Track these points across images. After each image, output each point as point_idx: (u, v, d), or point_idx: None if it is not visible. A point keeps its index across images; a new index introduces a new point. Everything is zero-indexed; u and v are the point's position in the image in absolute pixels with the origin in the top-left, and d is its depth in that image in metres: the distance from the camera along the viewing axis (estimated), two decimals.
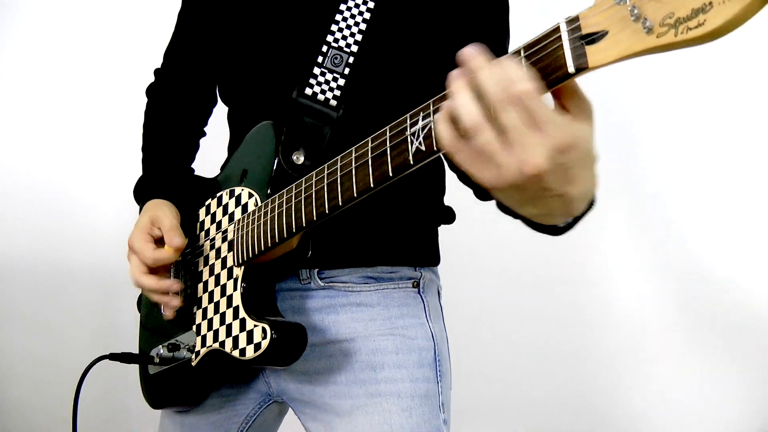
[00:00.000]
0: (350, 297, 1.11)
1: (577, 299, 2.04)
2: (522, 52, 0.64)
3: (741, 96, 1.91)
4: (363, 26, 1.08)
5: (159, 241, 1.13)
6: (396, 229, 1.14)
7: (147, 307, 1.30)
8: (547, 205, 0.67)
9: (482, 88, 0.61)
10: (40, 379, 2.13)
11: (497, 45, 1.12)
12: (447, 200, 1.26)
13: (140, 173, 1.28)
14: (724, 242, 1.94)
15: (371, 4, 1.09)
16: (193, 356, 1.10)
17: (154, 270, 1.12)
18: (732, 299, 1.91)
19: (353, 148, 0.82)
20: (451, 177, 1.17)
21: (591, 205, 0.74)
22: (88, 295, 2.14)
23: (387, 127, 0.77)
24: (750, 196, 1.93)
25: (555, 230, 0.80)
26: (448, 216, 1.24)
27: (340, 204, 0.84)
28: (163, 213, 1.13)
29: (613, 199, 2.03)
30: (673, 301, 1.97)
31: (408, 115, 0.74)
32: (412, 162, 0.73)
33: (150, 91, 1.37)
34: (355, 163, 0.81)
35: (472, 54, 0.63)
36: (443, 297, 1.24)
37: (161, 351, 1.17)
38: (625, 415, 2.00)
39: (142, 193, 1.23)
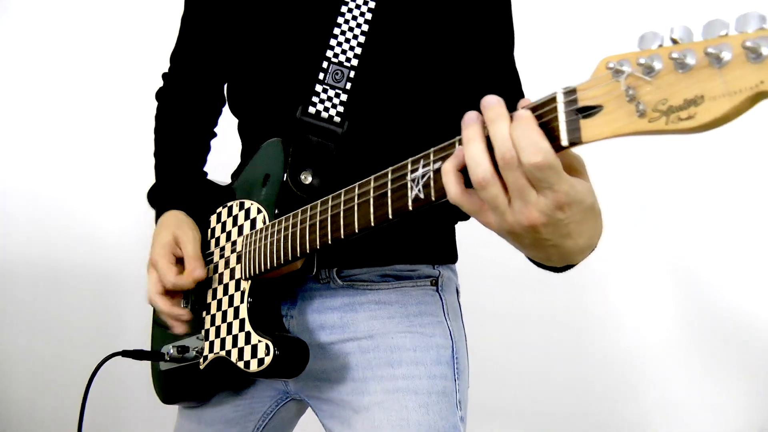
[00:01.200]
0: (369, 295, 1.13)
1: (579, 302, 2.05)
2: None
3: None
4: (362, 39, 1.09)
5: (179, 260, 1.15)
6: (414, 228, 1.15)
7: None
8: (546, 252, 0.69)
9: (495, 143, 0.62)
10: (40, 378, 2.17)
11: (499, 55, 1.11)
12: None
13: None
14: (727, 247, 1.94)
15: (368, 16, 1.09)
16: (201, 360, 1.14)
17: (171, 292, 1.14)
18: (734, 303, 1.93)
19: (357, 184, 0.84)
20: None
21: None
22: (88, 295, 2.17)
23: (390, 169, 0.79)
24: (753, 201, 1.92)
25: (555, 269, 0.82)
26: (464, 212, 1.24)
27: (342, 237, 0.86)
28: (187, 236, 1.14)
29: (618, 202, 2.03)
30: (675, 305, 1.98)
31: (409, 161, 0.76)
32: (410, 208, 0.75)
33: (159, 95, 1.39)
34: (358, 200, 0.83)
35: (492, 103, 0.64)
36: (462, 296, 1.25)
37: (171, 351, 1.21)
38: (626, 418, 2.02)
39: (159, 200, 1.25)
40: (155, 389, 1.29)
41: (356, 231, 0.83)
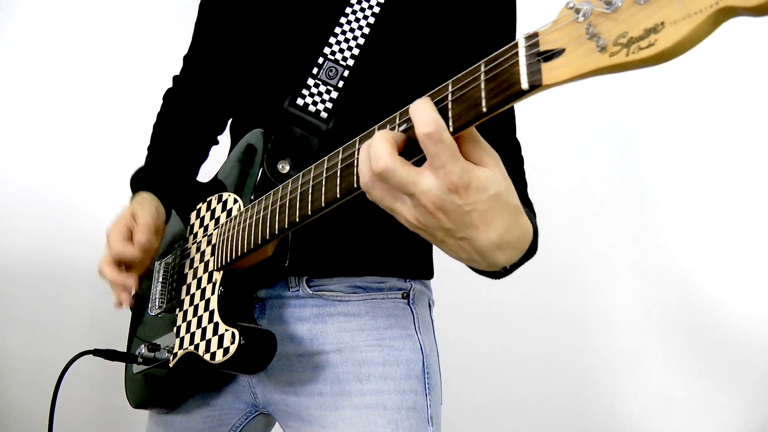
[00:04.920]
0: (338, 306, 1.10)
1: (573, 304, 2.02)
2: (482, 66, 0.63)
3: (742, 107, 1.89)
4: (361, 41, 1.08)
5: None
6: (386, 240, 1.12)
7: (136, 307, 1.31)
8: (463, 250, 0.67)
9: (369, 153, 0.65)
10: (39, 378, 2.13)
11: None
12: None
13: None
14: (723, 247, 1.93)
15: (371, 20, 1.09)
16: (171, 357, 1.10)
17: (127, 265, 1.12)
18: (731, 303, 1.89)
19: (326, 158, 0.82)
20: None
21: (526, 258, 0.74)
22: (88, 295, 2.17)
23: (357, 138, 0.77)
24: (750, 202, 1.91)
25: (492, 275, 0.80)
26: None
27: (309, 213, 0.83)
28: (143, 208, 1.13)
29: (612, 205, 2.02)
30: (671, 305, 1.95)
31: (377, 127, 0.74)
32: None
33: (167, 96, 1.40)
34: (326, 174, 0.81)
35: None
36: (435, 310, 1.22)
37: (143, 351, 1.17)
38: (623, 419, 1.96)
39: (138, 181, 1.24)
40: (126, 393, 1.25)
41: (323, 206, 0.80)
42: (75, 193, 2.29)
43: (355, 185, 0.75)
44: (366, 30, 1.08)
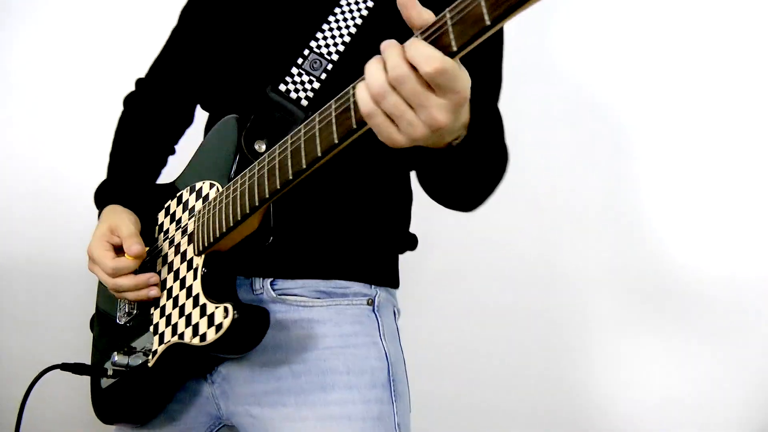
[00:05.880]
0: (302, 312, 1.09)
1: (576, 302, 2.03)
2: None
3: (734, 109, 1.97)
4: (347, 39, 1.12)
5: (119, 250, 1.11)
6: (353, 244, 1.13)
7: (98, 326, 1.25)
8: (442, 139, 0.79)
9: (387, 65, 0.72)
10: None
11: (482, 89, 1.16)
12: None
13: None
14: (720, 247, 1.95)
15: (359, 21, 1.13)
16: (150, 357, 1.06)
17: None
18: (730, 300, 1.91)
19: (316, 113, 0.84)
20: (418, 205, 1.21)
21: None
22: (88, 295, 2.05)
23: (351, 86, 0.80)
24: (749, 202, 1.95)
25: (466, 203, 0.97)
26: (411, 243, 1.24)
27: (305, 166, 0.84)
28: (122, 220, 1.12)
29: (606, 202, 2.04)
30: (666, 303, 1.97)
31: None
32: (354, 126, 0.78)
33: (128, 100, 1.38)
34: (319, 125, 0.83)
35: (385, 42, 0.74)
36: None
37: (116, 358, 1.12)
38: (621, 420, 1.97)
39: (103, 197, 1.22)
40: (93, 409, 1.18)
41: (319, 155, 0.82)
42: (75, 193, 2.18)
43: (354, 125, 0.78)
44: (353, 29, 1.12)
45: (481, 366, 2.02)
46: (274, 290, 1.09)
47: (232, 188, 0.98)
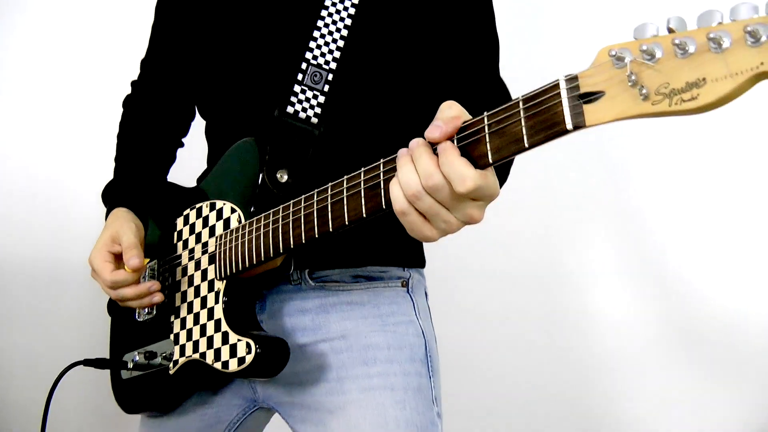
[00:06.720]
0: (341, 296, 1.13)
1: (569, 304, 2.07)
2: (521, 104, 0.67)
3: (730, 112, 1.95)
4: (341, 43, 1.09)
5: (121, 258, 1.12)
6: (385, 231, 1.14)
7: (116, 316, 1.29)
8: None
9: (420, 174, 0.73)
10: (38, 378, 2.06)
11: (481, 65, 1.14)
12: None
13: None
14: (718, 247, 1.98)
15: (348, 21, 1.10)
16: (171, 365, 1.11)
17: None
18: (730, 303, 1.95)
19: (345, 178, 0.85)
20: None
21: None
22: (88, 295, 2.09)
23: (381, 161, 0.80)
24: (748, 201, 1.97)
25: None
26: None
27: (330, 230, 0.86)
28: (124, 230, 1.13)
29: (604, 207, 2.07)
30: (666, 307, 2.00)
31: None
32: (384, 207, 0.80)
33: (127, 102, 1.36)
34: (347, 193, 0.84)
35: (413, 144, 0.75)
36: (430, 299, 1.26)
37: (137, 358, 1.17)
38: (619, 420, 2.03)
39: (110, 197, 1.23)
40: (115, 399, 1.25)
41: (346, 223, 0.84)
42: (74, 192, 2.19)
43: (384, 206, 0.79)
44: (344, 32, 1.10)
45: (481, 366, 2.08)
46: (312, 279, 1.12)
47: (255, 225, 0.99)
